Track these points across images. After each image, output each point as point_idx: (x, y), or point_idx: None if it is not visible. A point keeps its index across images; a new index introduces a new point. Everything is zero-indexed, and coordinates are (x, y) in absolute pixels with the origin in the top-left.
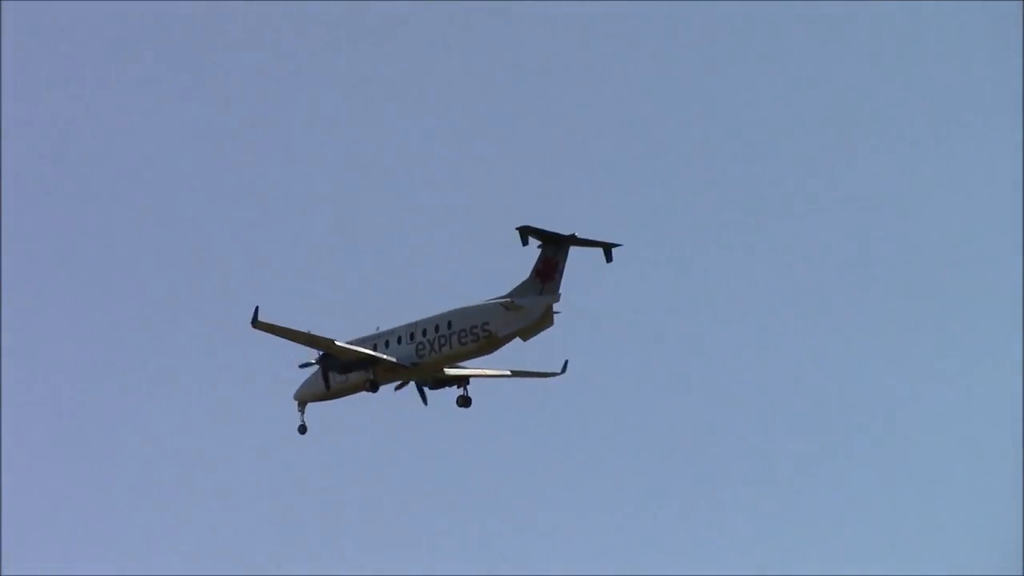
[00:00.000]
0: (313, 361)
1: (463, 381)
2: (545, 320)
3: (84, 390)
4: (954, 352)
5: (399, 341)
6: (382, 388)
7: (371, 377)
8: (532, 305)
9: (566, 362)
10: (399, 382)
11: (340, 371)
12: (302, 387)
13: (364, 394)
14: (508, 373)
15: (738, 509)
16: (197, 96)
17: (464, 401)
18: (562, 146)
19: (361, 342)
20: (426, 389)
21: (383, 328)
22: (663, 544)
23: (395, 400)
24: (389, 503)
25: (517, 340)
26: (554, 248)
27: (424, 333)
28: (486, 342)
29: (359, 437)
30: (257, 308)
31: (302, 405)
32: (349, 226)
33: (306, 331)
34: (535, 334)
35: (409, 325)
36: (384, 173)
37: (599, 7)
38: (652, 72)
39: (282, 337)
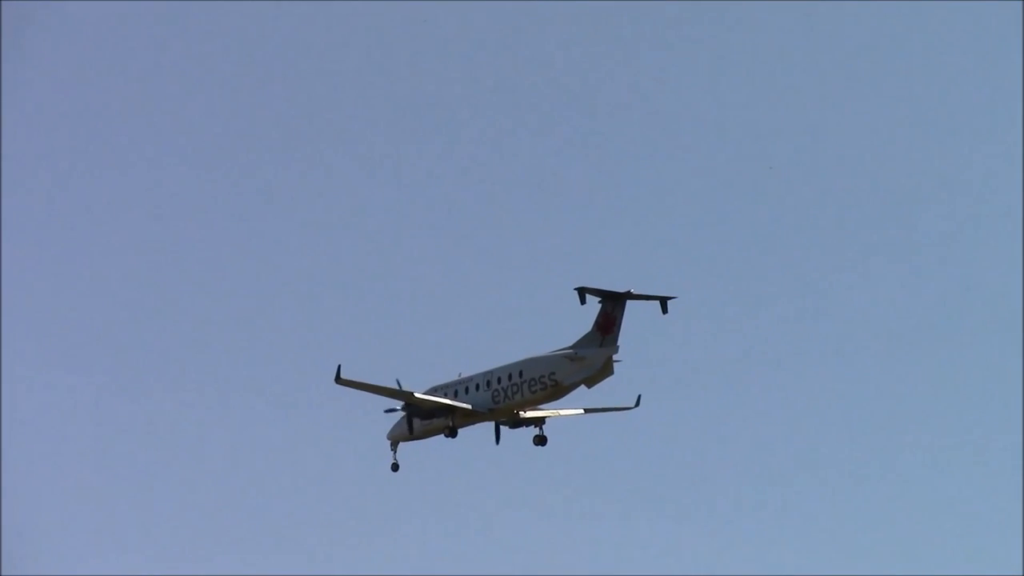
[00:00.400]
0: (398, 408)
1: (539, 421)
2: (606, 370)
3: (190, 439)
4: (956, 357)
5: (477, 388)
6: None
7: (450, 424)
8: (594, 356)
9: (639, 396)
10: (510, 426)
11: (422, 417)
12: (392, 429)
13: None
14: (581, 412)
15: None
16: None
17: (540, 440)
18: (616, 205)
19: (443, 388)
20: (504, 428)
21: (465, 374)
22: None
23: (478, 438)
24: (472, 536)
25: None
26: (612, 304)
27: (499, 381)
28: (553, 390)
29: (443, 474)
30: (340, 367)
31: (394, 445)
32: (428, 281)
33: (386, 385)
34: (598, 383)
35: (485, 373)
36: (450, 233)
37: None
38: (693, 124)
39: (365, 391)
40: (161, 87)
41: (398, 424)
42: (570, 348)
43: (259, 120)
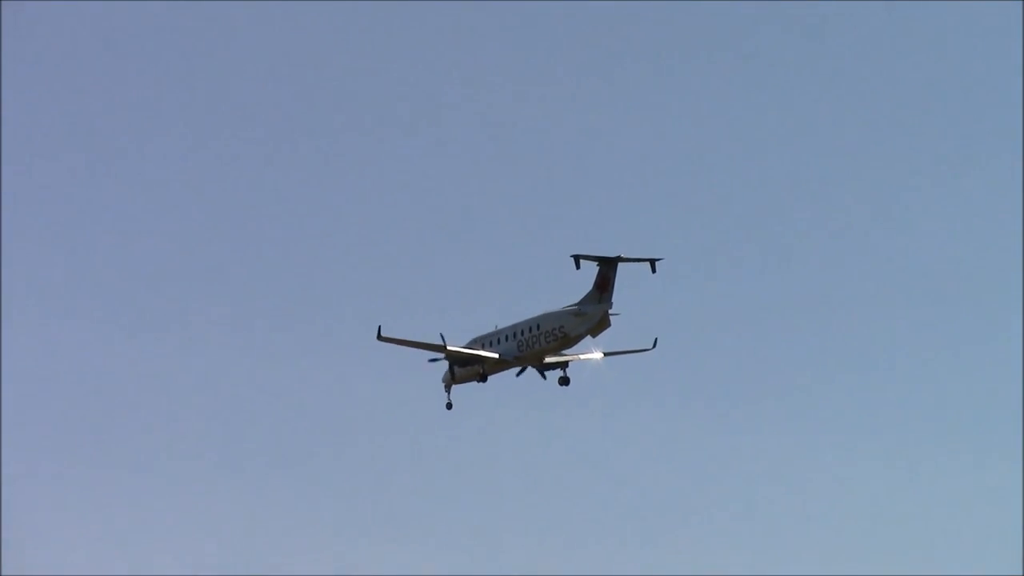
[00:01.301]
0: (441, 357)
1: (564, 365)
2: (604, 323)
3: (237, 389)
4: (956, 349)
5: (506, 339)
6: (510, 374)
7: (481, 371)
8: (594, 311)
9: (656, 339)
10: (519, 368)
11: (460, 365)
12: (443, 376)
13: (505, 377)
14: (601, 355)
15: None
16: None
17: (564, 381)
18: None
19: (481, 339)
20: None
21: (500, 326)
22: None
23: (516, 383)
24: (505, 466)
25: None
26: (607, 267)
27: (522, 333)
28: (563, 340)
29: (488, 414)
30: (380, 327)
31: (447, 388)
32: (458, 252)
33: (421, 340)
34: (599, 333)
35: (512, 326)
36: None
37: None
38: (679, 100)
39: (403, 345)
40: (161, 86)
41: (446, 372)
42: (576, 305)
43: (264, 104)
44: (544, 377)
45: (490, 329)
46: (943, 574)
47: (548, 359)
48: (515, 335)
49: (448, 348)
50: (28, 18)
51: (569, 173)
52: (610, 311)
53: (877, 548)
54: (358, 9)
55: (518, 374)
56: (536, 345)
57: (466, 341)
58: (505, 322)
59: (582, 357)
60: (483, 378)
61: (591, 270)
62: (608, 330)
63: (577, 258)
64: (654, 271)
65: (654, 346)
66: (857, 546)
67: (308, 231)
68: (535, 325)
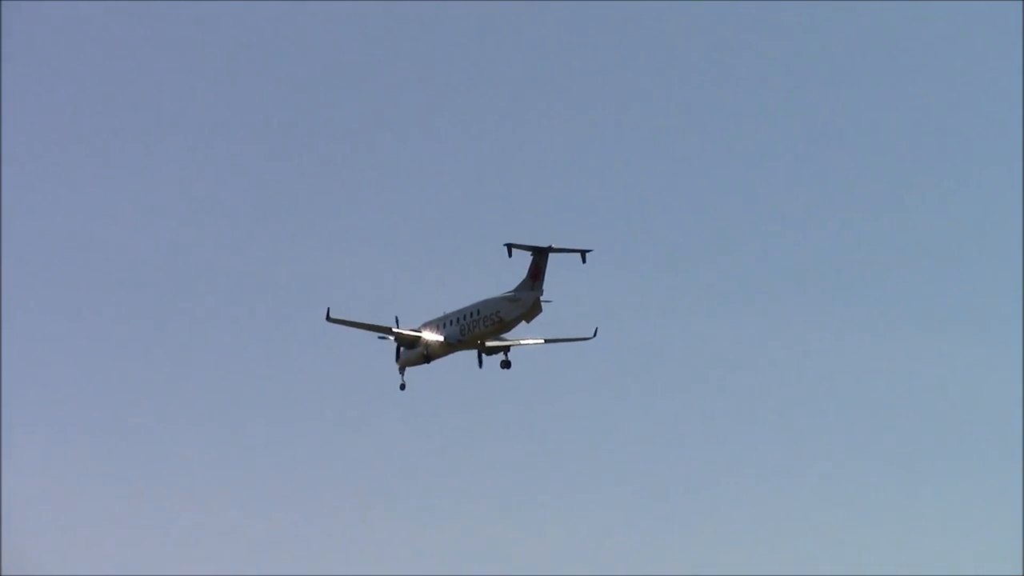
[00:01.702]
0: (389, 337)
1: (506, 350)
2: (535, 308)
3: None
4: (955, 351)
5: (451, 323)
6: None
7: (425, 353)
8: (526, 298)
9: (596, 329)
10: (485, 353)
11: (407, 347)
12: (397, 359)
13: (456, 359)
14: (542, 341)
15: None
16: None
17: (505, 364)
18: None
19: (430, 323)
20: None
21: (448, 311)
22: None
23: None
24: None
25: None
26: (539, 256)
27: (465, 318)
28: (500, 325)
29: (435, 393)
30: (328, 308)
31: (400, 370)
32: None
33: (367, 322)
34: (532, 318)
35: (456, 312)
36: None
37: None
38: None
39: (352, 327)
40: (160, 86)
41: (398, 354)
42: (511, 292)
43: (265, 104)
44: (480, 365)
45: (439, 314)
46: (943, 574)
47: (489, 343)
48: (458, 320)
49: (393, 331)
50: (28, 18)
51: (524, 165)
52: (542, 298)
53: (877, 548)
54: None
55: (479, 365)
56: (476, 329)
57: (418, 324)
58: (454, 307)
59: (523, 343)
60: (427, 359)
61: (526, 259)
62: (541, 316)
63: (510, 247)
64: (584, 261)
65: (594, 335)
66: (858, 546)
67: (265, 223)
68: (476, 311)
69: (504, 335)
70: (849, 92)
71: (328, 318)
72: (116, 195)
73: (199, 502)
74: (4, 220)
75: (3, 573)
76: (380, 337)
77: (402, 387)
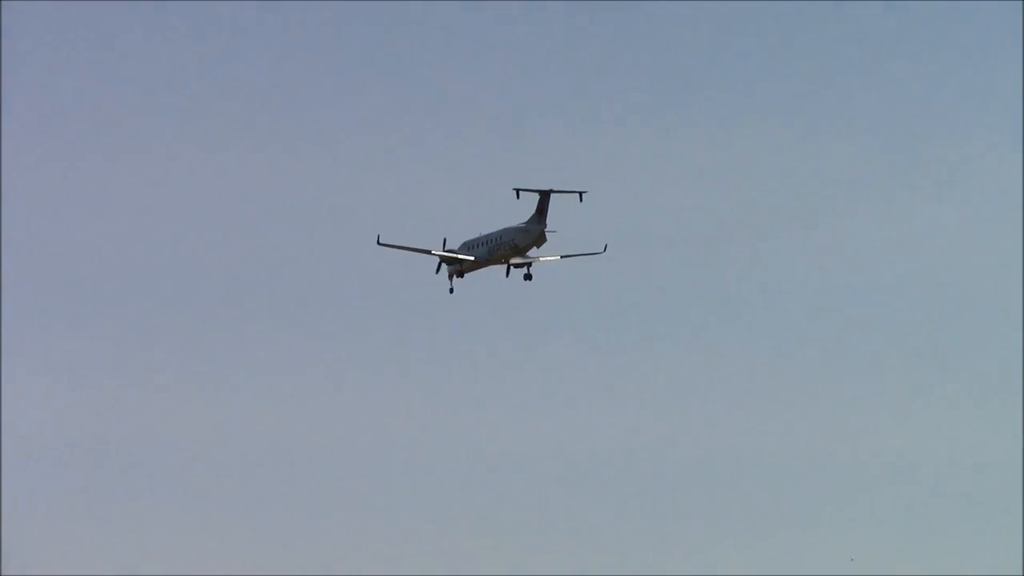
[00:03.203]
0: (436, 253)
1: (528, 264)
2: (541, 238)
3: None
4: (956, 354)
5: (481, 245)
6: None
7: (459, 268)
8: (534, 230)
9: (605, 245)
10: (510, 265)
11: (447, 264)
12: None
13: (492, 272)
14: (558, 258)
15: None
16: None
17: (527, 277)
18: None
19: (468, 243)
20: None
21: (483, 233)
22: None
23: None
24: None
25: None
26: (543, 196)
27: (491, 241)
28: (516, 250)
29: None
30: (379, 235)
31: (450, 278)
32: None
33: (412, 246)
34: (540, 245)
35: (486, 235)
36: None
37: None
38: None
39: (401, 250)
40: (161, 86)
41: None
42: (523, 224)
43: (264, 104)
44: (507, 275)
45: (475, 235)
46: (943, 574)
47: (513, 261)
48: (486, 243)
49: (433, 252)
50: (28, 18)
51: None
52: (546, 230)
53: (877, 548)
54: None
55: (506, 275)
56: (499, 251)
57: (458, 244)
58: (486, 230)
59: (543, 259)
60: (461, 274)
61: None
62: (547, 244)
63: (518, 191)
64: (581, 201)
65: (604, 250)
66: (857, 546)
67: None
68: (499, 236)
69: (527, 254)
70: (849, 92)
71: (379, 242)
72: (115, 195)
73: (200, 502)
74: (4, 220)
75: (3, 573)
76: (437, 271)
77: (451, 291)
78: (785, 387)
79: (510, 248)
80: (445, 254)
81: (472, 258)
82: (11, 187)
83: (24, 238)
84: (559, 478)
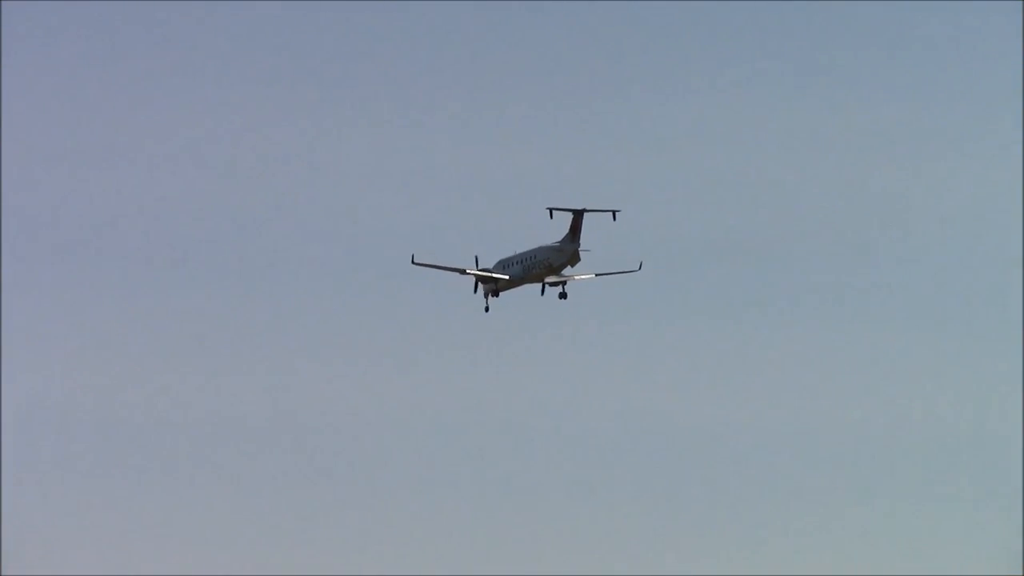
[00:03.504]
0: (470, 272)
1: (563, 283)
2: (575, 257)
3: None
4: (957, 353)
5: (516, 264)
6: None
7: (494, 287)
8: (568, 248)
9: (640, 263)
10: (545, 283)
11: (482, 283)
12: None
13: (529, 290)
14: (593, 276)
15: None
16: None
17: (562, 295)
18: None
19: (503, 261)
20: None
21: (518, 251)
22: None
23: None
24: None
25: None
26: (577, 215)
27: (526, 260)
28: (549, 269)
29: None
30: (413, 254)
31: (486, 297)
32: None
33: (445, 265)
34: (575, 265)
35: (520, 254)
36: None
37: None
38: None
39: (435, 268)
40: (161, 86)
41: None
42: (557, 243)
43: (263, 104)
44: (542, 293)
45: (510, 253)
46: (943, 574)
47: (548, 279)
48: (521, 261)
49: (467, 271)
50: (28, 18)
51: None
52: (580, 248)
53: (877, 548)
54: None
55: (541, 293)
56: (534, 270)
57: (493, 262)
58: (522, 248)
59: (577, 278)
60: (496, 293)
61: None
62: (581, 263)
63: (551, 210)
64: (615, 220)
65: (639, 268)
66: (857, 546)
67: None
68: (533, 255)
69: (561, 273)
70: (849, 92)
71: (413, 262)
72: (116, 195)
73: (202, 501)
74: (4, 220)
75: (3, 573)
76: (464, 272)
77: (487, 309)
78: (827, 399)
79: (545, 267)
80: (480, 273)
81: (507, 277)
82: (11, 187)
83: (24, 238)
84: (596, 495)
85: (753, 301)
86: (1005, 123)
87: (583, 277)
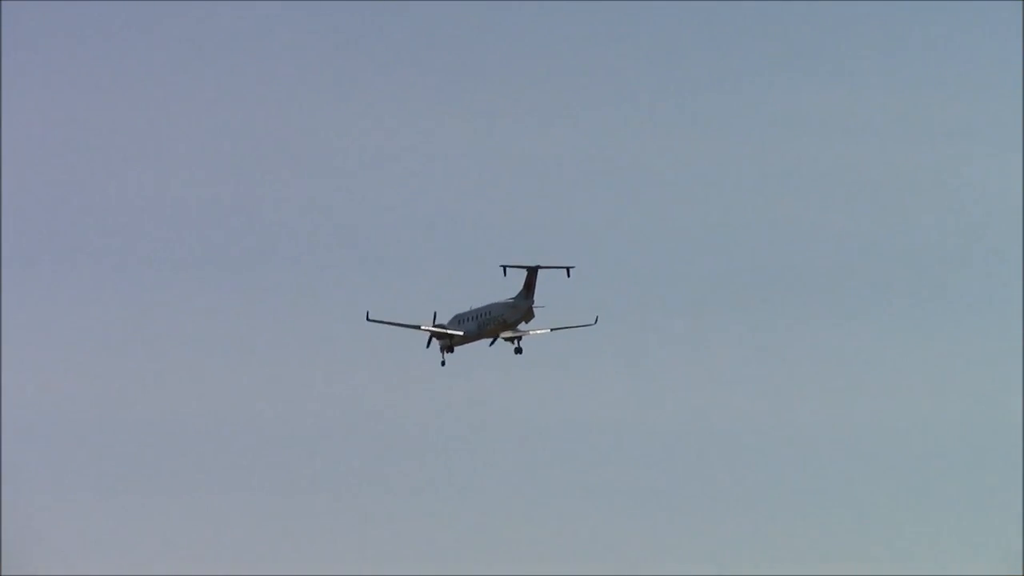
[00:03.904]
0: (425, 329)
1: (518, 338)
2: (529, 314)
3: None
4: (957, 353)
5: (471, 319)
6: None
7: (449, 344)
8: (522, 305)
9: (596, 317)
10: (491, 340)
11: (437, 338)
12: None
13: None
14: (548, 331)
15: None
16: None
17: (517, 351)
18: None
19: (458, 316)
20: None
21: (473, 307)
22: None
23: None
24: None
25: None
26: (531, 272)
27: (480, 316)
28: (503, 325)
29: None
30: (368, 311)
31: (441, 352)
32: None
33: (400, 322)
34: (528, 320)
35: (475, 310)
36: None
37: None
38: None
39: (389, 325)
40: (160, 86)
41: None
42: (511, 299)
43: (264, 103)
44: (491, 344)
45: (465, 308)
46: (943, 574)
47: (504, 334)
48: (476, 318)
49: (422, 327)
50: (28, 18)
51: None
52: (534, 305)
53: (877, 548)
54: None
55: (490, 344)
56: (488, 326)
57: (448, 318)
58: (477, 304)
59: (532, 332)
60: (451, 349)
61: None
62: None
63: (504, 267)
64: (568, 276)
65: (595, 322)
66: (857, 546)
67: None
68: (488, 311)
69: (516, 328)
70: (848, 92)
71: (368, 318)
72: (116, 195)
73: (202, 501)
74: (4, 220)
75: (3, 573)
76: (427, 346)
77: (442, 363)
78: (827, 401)
79: (499, 323)
80: (435, 329)
81: (462, 333)
82: (11, 187)
83: (24, 238)
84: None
85: (713, 350)
86: (1005, 123)
87: (539, 332)
